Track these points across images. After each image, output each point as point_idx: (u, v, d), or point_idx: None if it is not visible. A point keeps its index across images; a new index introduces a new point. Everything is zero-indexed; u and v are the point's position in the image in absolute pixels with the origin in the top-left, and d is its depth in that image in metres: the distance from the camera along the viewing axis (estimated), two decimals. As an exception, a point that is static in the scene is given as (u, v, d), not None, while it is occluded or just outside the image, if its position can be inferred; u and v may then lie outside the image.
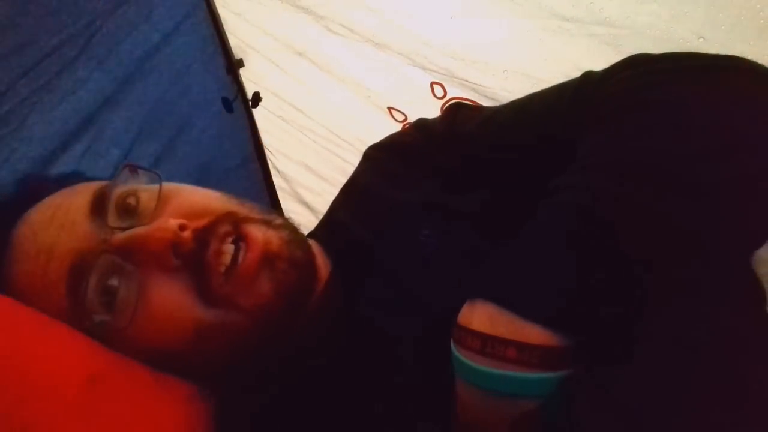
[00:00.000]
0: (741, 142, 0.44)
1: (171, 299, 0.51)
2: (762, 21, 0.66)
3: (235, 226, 0.54)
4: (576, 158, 0.47)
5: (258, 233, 0.53)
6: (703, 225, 0.41)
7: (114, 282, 0.51)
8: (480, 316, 0.42)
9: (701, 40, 0.70)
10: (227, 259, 0.52)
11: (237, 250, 0.53)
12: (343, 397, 0.53)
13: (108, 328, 0.51)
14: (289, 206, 1.51)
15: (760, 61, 0.48)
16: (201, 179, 1.19)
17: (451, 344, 0.44)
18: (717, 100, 0.46)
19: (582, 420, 0.39)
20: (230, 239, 0.53)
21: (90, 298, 0.51)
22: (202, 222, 0.53)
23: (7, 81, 0.67)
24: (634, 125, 0.46)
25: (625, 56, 0.54)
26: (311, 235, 0.68)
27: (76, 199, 0.55)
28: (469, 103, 0.77)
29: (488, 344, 0.41)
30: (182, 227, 0.51)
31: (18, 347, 0.47)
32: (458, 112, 0.68)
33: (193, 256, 0.51)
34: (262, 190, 1.48)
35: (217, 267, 0.52)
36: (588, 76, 0.56)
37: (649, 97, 0.48)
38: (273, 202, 1.50)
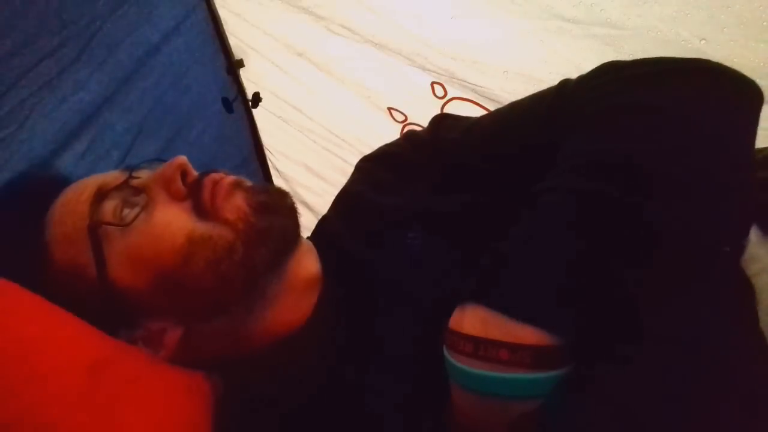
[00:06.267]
0: (713, 140, 0.45)
1: (171, 214, 0.57)
2: (764, 22, 0.66)
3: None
4: (556, 162, 0.48)
5: (234, 176, 0.61)
6: (686, 221, 0.42)
7: (129, 206, 0.58)
8: (471, 320, 0.43)
9: (703, 41, 0.70)
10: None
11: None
12: (340, 397, 0.54)
13: (114, 233, 0.56)
14: (290, 206, 1.50)
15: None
16: (201, 179, 1.19)
17: (444, 349, 0.45)
18: (688, 100, 0.48)
19: (580, 420, 0.39)
20: None
21: (106, 210, 0.57)
22: None
23: (7, 82, 0.67)
24: (610, 128, 0.48)
25: (626, 57, 0.55)
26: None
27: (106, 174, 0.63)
28: (454, 113, 0.79)
29: (480, 347, 0.41)
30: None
31: (24, 331, 0.48)
32: (442, 122, 0.71)
33: (195, 183, 0.59)
34: (262, 190, 1.48)
35: (210, 187, 0.58)
36: (564, 84, 0.58)
37: (624, 100, 0.49)
38: (273, 202, 1.50)
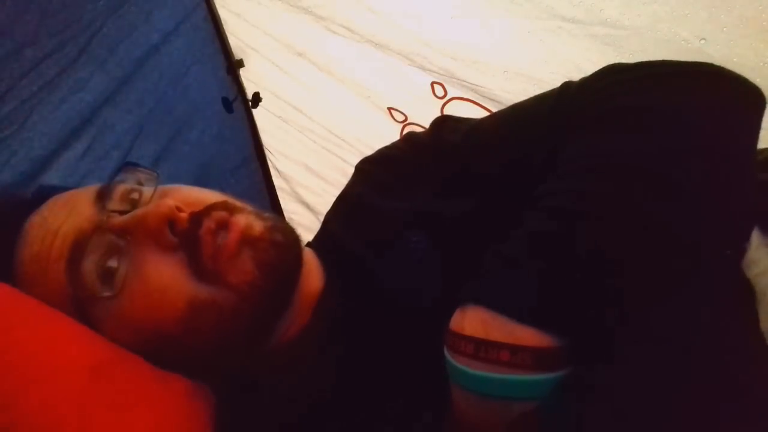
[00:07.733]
0: (715, 143, 0.45)
1: (166, 274, 0.53)
2: (765, 22, 0.66)
3: (229, 212, 0.56)
4: (557, 165, 0.48)
5: (242, 219, 0.55)
6: (686, 223, 0.42)
7: (113, 261, 0.53)
8: (472, 321, 0.43)
9: (703, 41, 0.70)
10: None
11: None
12: (342, 398, 0.54)
13: (103, 301, 0.53)
14: (289, 206, 1.51)
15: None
16: (201, 179, 1.19)
17: (445, 351, 0.45)
18: (690, 103, 0.48)
19: (579, 420, 0.39)
20: (224, 225, 0.55)
21: (88, 273, 0.52)
22: (197, 208, 0.55)
23: (7, 82, 0.67)
24: (612, 130, 0.48)
25: (626, 57, 0.55)
26: (309, 246, 0.69)
27: (84, 192, 0.58)
28: (455, 115, 0.79)
29: (481, 348, 0.41)
30: (179, 209, 0.54)
31: (22, 335, 0.48)
32: (444, 124, 0.70)
33: (188, 233, 0.53)
34: (262, 190, 1.48)
35: (210, 243, 0.53)
36: (566, 86, 0.58)
37: (626, 103, 0.49)
38: (273, 202, 1.50)
